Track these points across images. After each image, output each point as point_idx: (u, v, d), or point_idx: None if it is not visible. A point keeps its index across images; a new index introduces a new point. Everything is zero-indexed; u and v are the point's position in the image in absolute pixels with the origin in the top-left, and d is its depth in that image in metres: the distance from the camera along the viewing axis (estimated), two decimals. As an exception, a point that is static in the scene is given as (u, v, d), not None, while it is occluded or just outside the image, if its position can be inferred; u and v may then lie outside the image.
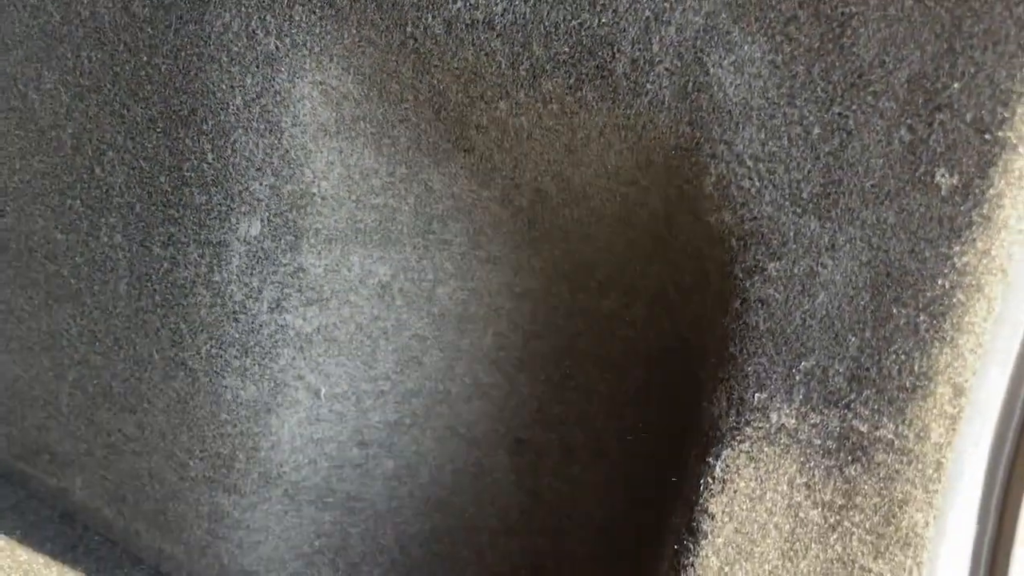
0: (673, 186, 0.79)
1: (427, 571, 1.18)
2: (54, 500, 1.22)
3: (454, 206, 0.98)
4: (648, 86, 0.73)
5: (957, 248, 0.65)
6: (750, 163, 0.70)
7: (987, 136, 0.62)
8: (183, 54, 0.89)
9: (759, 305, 0.73)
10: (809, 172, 0.69)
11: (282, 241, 0.95)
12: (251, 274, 0.96)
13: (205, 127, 0.91)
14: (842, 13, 0.65)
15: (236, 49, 0.86)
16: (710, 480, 0.76)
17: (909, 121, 0.65)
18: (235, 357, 1.00)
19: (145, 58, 0.91)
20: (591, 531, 1.14)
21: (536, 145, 0.85)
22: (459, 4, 0.77)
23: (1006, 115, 0.61)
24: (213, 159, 0.91)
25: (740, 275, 0.73)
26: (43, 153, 1.03)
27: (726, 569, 0.74)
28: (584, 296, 1.04)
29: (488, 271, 1.03)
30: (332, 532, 1.13)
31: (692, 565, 0.75)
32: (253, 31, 0.85)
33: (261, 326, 0.99)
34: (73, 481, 1.19)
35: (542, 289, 1.04)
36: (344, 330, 1.02)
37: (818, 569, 0.72)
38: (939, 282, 0.66)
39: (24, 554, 1.15)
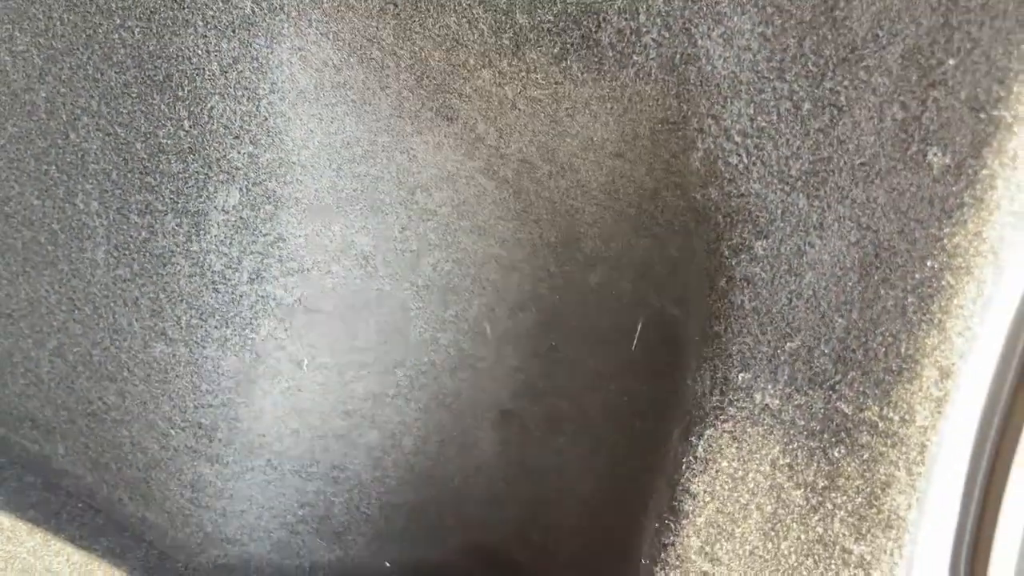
0: (660, 160, 0.77)
1: (412, 541, 1.18)
2: (37, 467, 1.21)
3: (438, 175, 0.95)
4: (635, 57, 0.70)
5: (948, 229, 0.63)
6: (738, 138, 0.68)
7: (982, 115, 0.60)
8: (157, 17, 0.86)
9: (745, 284, 0.71)
10: (798, 149, 0.67)
11: (261, 210, 0.93)
12: (230, 244, 0.94)
13: (181, 93, 0.88)
14: (836, -16, 0.63)
15: (211, 13, 0.83)
16: (692, 459, 0.75)
17: (902, 98, 0.63)
18: (215, 327, 0.98)
19: (118, 21, 0.88)
20: (576, 503, 1.13)
21: (521, 116, 0.83)
22: (440, -32, 0.74)
23: (1002, 93, 0.59)
24: (190, 126, 0.89)
25: (726, 253, 0.72)
26: (17, 116, 1.00)
27: (707, 549, 0.74)
28: (570, 269, 1.02)
29: (473, 242, 1.02)
30: (316, 502, 1.13)
31: (672, 544, 0.75)
32: (229, -6, 0.82)
33: (241, 296, 0.97)
34: (56, 448, 1.18)
35: (528, 261, 1.03)
36: (327, 301, 1.00)
37: (799, 550, 0.71)
38: (928, 264, 0.64)
39: (7, 520, 1.14)
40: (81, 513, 1.18)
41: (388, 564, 1.18)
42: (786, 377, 0.71)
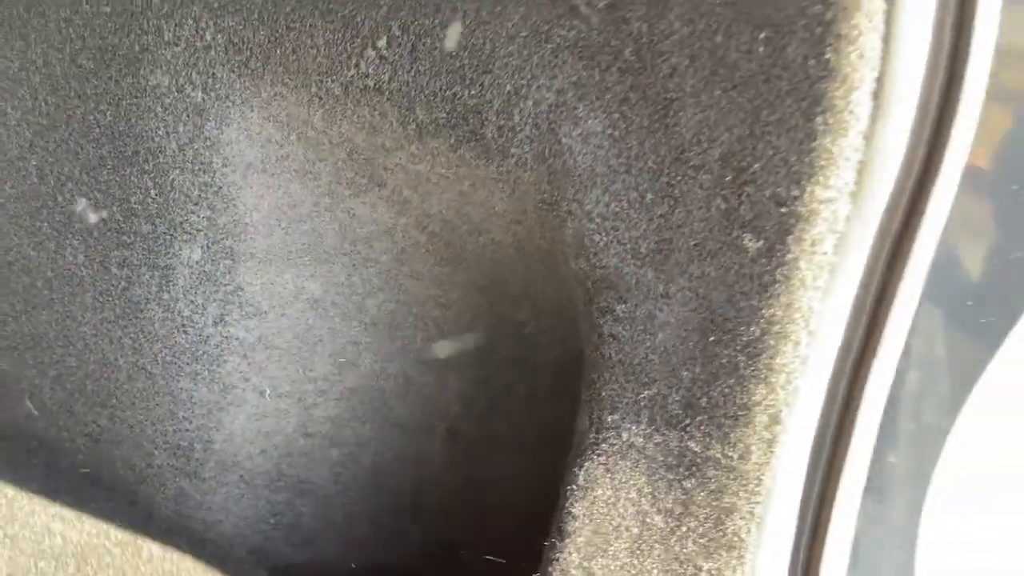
0: (547, 231, 0.89)
1: (374, 545, 1.32)
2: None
3: (377, 230, 1.08)
4: (513, 150, 0.82)
5: (764, 301, 0.75)
6: (598, 221, 0.81)
7: (783, 209, 0.72)
8: (124, 103, 1.00)
9: (611, 340, 0.83)
10: (645, 231, 0.79)
11: (221, 264, 1.06)
12: (196, 293, 1.08)
13: (147, 167, 1.02)
14: (665, 97, 0.74)
15: (168, 101, 0.97)
16: (574, 487, 0.87)
17: (723, 192, 0.74)
18: (187, 363, 1.12)
19: (92, 104, 1.02)
20: (516, 512, 1.26)
21: (435, 187, 0.96)
22: (352, 71, 0.87)
23: (796, 192, 0.71)
24: (155, 195, 1.02)
25: (596, 313, 0.84)
26: (13, 180, 1.15)
27: (585, 564, 0.86)
28: (500, 307, 1.15)
29: (413, 284, 1.14)
30: (285, 512, 1.27)
31: (557, 559, 0.88)
32: (182, 86, 0.96)
33: (208, 337, 1.11)
34: (58, 462, 1.34)
35: (463, 300, 1.15)
36: (283, 338, 1.14)
37: (660, 566, 0.84)
38: (752, 329, 0.76)
39: (10, 491, 1.28)
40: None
41: (353, 566, 1.32)
42: (646, 420, 0.83)
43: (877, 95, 0.67)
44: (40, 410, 1.30)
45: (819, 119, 0.68)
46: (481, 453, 1.26)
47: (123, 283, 1.11)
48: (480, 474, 1.27)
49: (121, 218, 1.07)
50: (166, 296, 1.09)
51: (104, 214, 1.06)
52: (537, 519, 1.25)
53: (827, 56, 0.66)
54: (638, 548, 0.85)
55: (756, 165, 0.72)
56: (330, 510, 1.29)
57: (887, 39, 0.65)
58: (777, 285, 0.74)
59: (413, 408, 1.24)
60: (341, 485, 1.27)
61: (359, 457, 1.26)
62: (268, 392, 1.17)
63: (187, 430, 1.17)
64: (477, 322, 1.17)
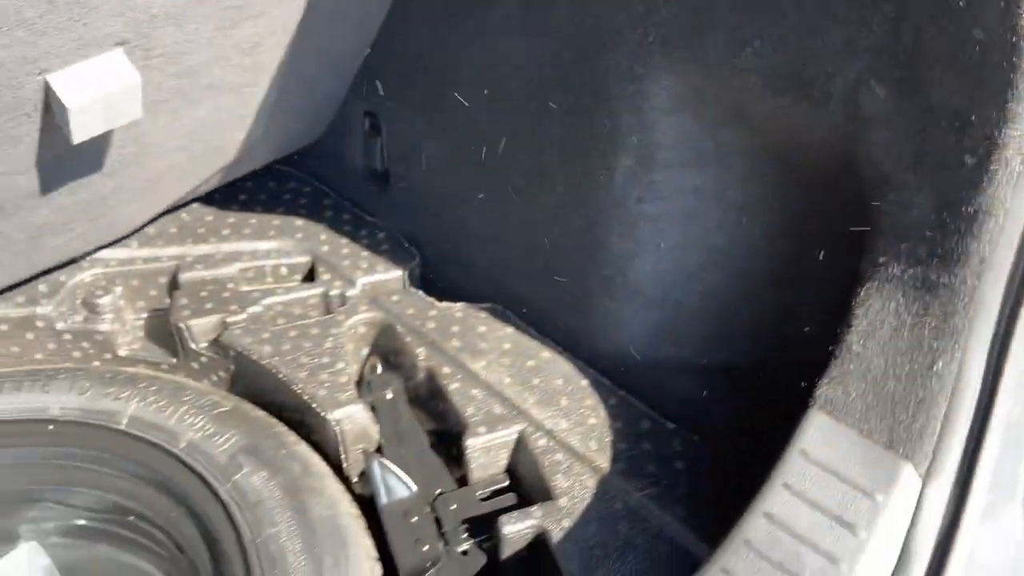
0: (846, 148, 1.52)
1: (725, 349, 2.04)
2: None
3: (739, 148, 1.76)
4: (831, 106, 1.46)
5: (977, 194, 1.33)
6: (880, 145, 1.43)
7: (988, 141, 1.29)
8: (596, 72, 1.75)
9: (883, 214, 1.46)
10: (907, 151, 1.40)
11: (643, 167, 1.81)
12: (627, 184, 1.84)
13: (602, 109, 1.77)
14: (921, 79, 1.34)
15: (620, 72, 1.70)
16: (857, 299, 1.52)
17: (954, 131, 1.33)
18: (616, 226, 1.90)
19: (576, 79, 1.79)
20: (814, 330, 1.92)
21: (783, 124, 1.61)
22: (735, 61, 1.54)
23: (996, 132, 1.28)
24: (607, 124, 1.78)
25: (876, 198, 1.47)
26: (524, 119, 1.97)
27: (861, 342, 1.51)
28: (812, 194, 1.78)
29: (756, 180, 1.81)
30: (665, 322, 2.03)
31: (843, 340, 1.53)
32: (630, 65, 1.68)
33: (630, 210, 1.87)
34: (521, 285, 2.19)
35: (789, 191, 1.80)
36: (675, 213, 1.87)
37: (908, 342, 1.47)
38: (969, 209, 1.35)
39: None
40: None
41: (705, 361, 2.04)
42: (904, 261, 1.45)
43: (1045, 81, 1.23)
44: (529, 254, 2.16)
45: (1009, 92, 1.25)
46: (795, 289, 1.92)
47: (584, 179, 1.90)
48: (793, 304, 1.94)
49: (586, 139, 1.85)
50: (609, 185, 1.86)
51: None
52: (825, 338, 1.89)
53: (1014, 60, 1.22)
54: (896, 332, 1.48)
55: (974, 116, 1.30)
56: (695, 323, 2.03)
57: (1050, 53, 1.21)
58: (984, 183, 1.33)
59: (749, 260, 1.93)
60: (705, 306, 2.00)
61: (718, 291, 1.98)
62: (663, 245, 1.92)
63: (612, 268, 1.96)
64: (794, 203, 1.82)
